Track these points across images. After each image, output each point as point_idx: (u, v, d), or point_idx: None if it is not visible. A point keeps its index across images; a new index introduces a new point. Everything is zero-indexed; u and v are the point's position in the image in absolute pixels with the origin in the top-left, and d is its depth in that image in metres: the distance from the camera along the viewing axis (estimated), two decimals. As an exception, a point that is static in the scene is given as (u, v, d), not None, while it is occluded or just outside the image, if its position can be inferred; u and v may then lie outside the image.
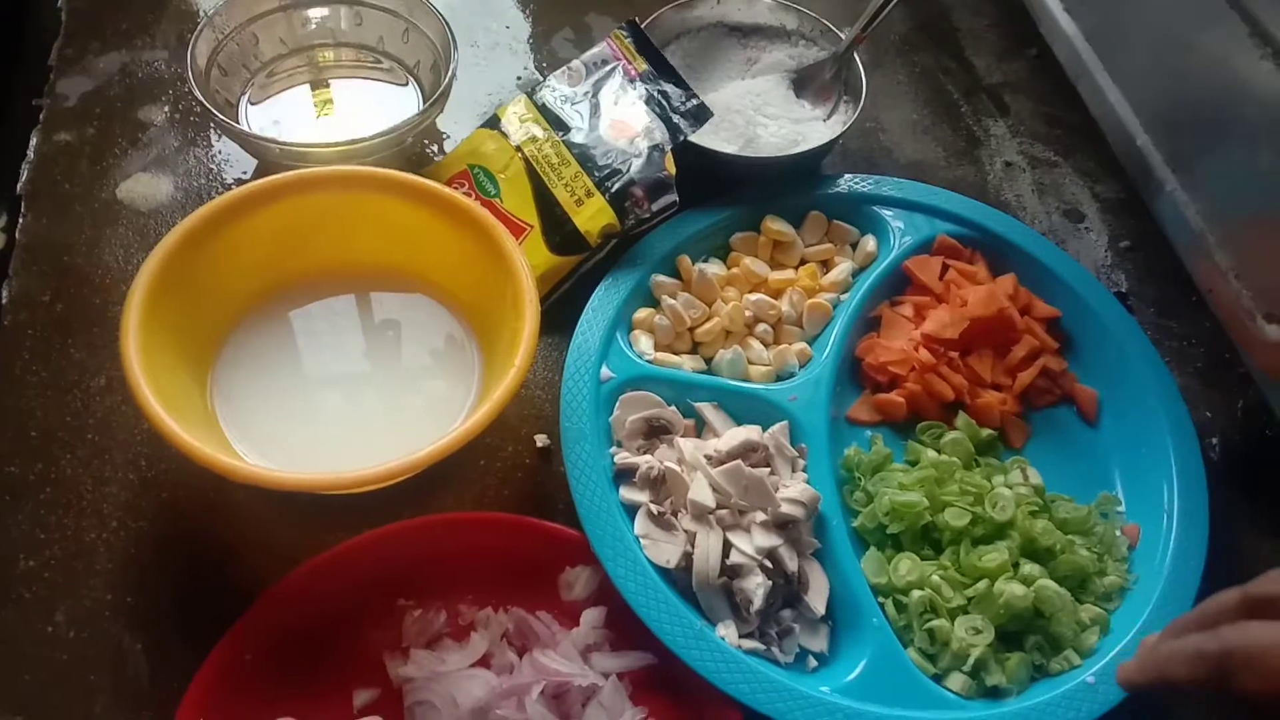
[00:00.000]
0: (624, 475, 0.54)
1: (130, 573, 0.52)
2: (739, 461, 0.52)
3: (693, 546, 0.51)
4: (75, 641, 0.50)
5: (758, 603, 0.49)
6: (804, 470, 0.55)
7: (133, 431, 0.56)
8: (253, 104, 0.69)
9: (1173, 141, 0.69)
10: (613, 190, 0.61)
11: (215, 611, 0.48)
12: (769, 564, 0.51)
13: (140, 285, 0.50)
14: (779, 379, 0.60)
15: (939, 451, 0.57)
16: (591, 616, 0.50)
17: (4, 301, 0.60)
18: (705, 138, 0.65)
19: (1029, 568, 0.52)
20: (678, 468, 0.53)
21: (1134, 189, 0.74)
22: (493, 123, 0.66)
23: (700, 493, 0.52)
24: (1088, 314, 0.63)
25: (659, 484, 0.53)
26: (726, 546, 0.51)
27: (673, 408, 0.56)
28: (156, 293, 0.50)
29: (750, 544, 0.51)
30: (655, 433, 0.56)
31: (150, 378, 0.47)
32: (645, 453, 0.55)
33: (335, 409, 0.57)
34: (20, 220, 0.64)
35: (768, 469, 0.54)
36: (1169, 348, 0.65)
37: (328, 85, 0.71)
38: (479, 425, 0.47)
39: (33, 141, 0.68)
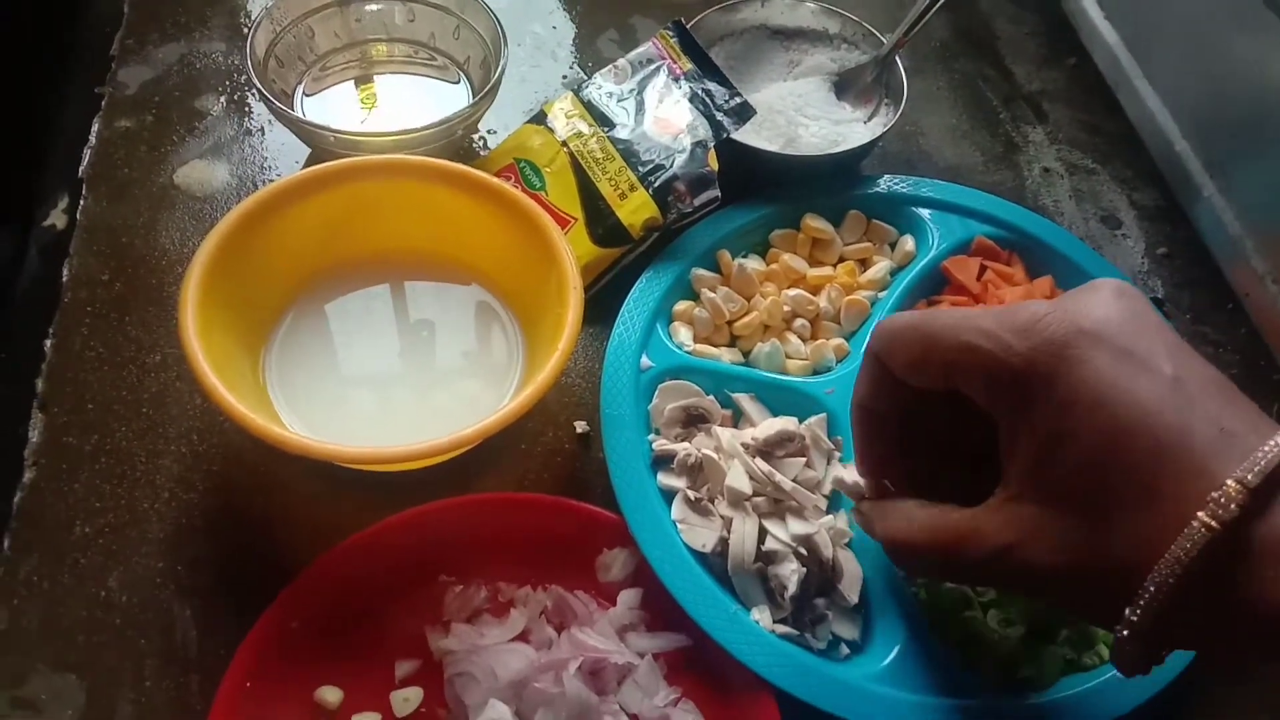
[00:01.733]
0: (662, 461, 0.55)
1: (181, 542, 0.53)
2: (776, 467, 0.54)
3: (729, 532, 0.52)
4: (127, 606, 0.51)
5: (792, 589, 0.50)
6: (839, 463, 0.56)
7: (185, 407, 0.58)
8: (307, 96, 0.70)
9: (1211, 147, 0.70)
10: (656, 185, 0.62)
11: (262, 582, 0.49)
12: (804, 551, 0.51)
13: (199, 262, 0.51)
14: (816, 373, 0.61)
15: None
16: (628, 597, 0.51)
17: (64, 280, 0.62)
18: (747, 136, 0.66)
19: (1062, 562, 0.52)
20: (715, 455, 0.54)
21: (1171, 197, 0.74)
22: (539, 118, 0.67)
23: (737, 480, 0.52)
24: (1124, 318, 0.63)
25: (696, 471, 0.54)
26: (762, 533, 0.52)
27: (711, 397, 0.57)
28: (214, 271, 0.52)
29: (786, 531, 0.52)
30: (693, 421, 0.57)
31: (207, 352, 0.49)
32: (683, 440, 0.56)
33: (386, 390, 0.58)
34: (81, 202, 0.66)
35: (803, 459, 0.55)
36: (1205, 354, 0.64)
37: (371, 81, 0.73)
38: (524, 406, 0.49)
39: (94, 127, 0.70)
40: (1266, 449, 0.33)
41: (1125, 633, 0.35)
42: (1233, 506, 0.32)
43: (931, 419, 0.45)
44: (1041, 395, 0.36)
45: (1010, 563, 0.38)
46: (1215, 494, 0.33)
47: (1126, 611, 0.34)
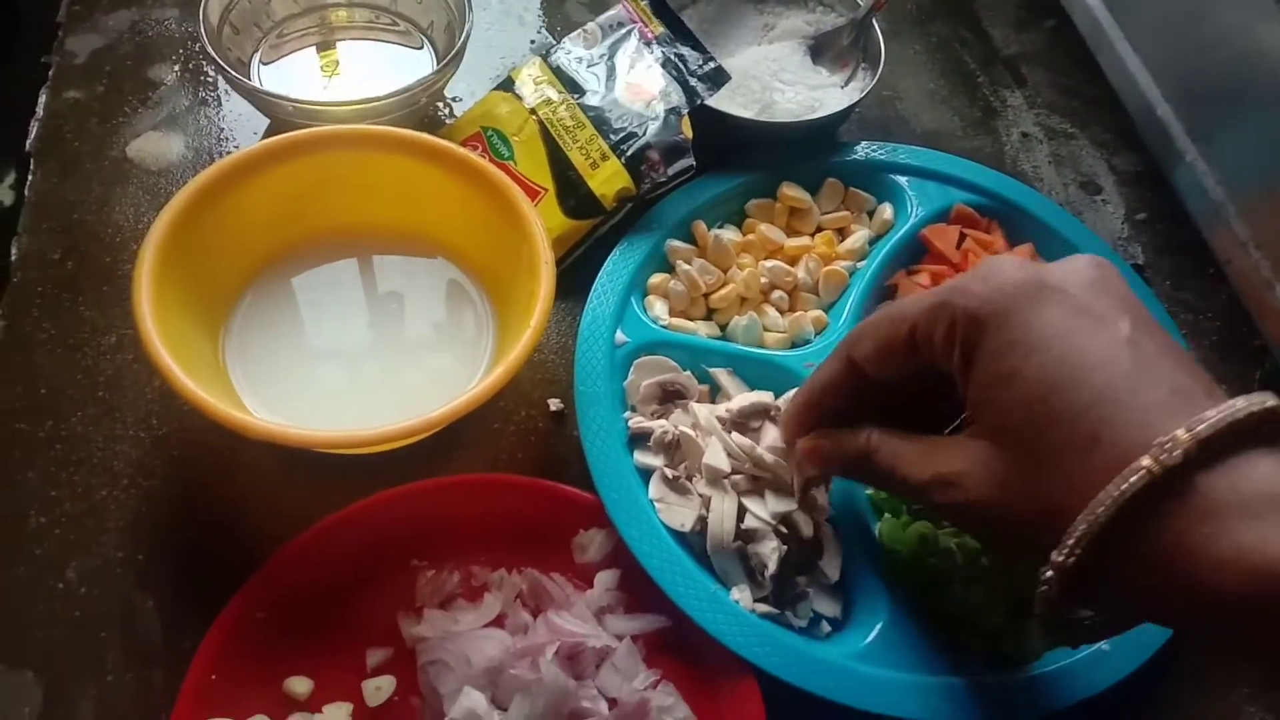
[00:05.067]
0: (638, 439, 0.54)
1: (141, 530, 0.51)
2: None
3: (707, 511, 0.51)
4: (86, 598, 0.49)
5: (772, 567, 0.49)
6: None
7: (143, 390, 0.56)
8: (264, 64, 0.68)
9: (1193, 111, 0.69)
10: (628, 153, 0.61)
11: (226, 570, 0.48)
12: (784, 529, 0.50)
13: (153, 240, 0.49)
14: (794, 346, 0.59)
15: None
16: (605, 579, 0.50)
17: (13, 259, 0.60)
18: (722, 102, 0.64)
19: (1045, 536, 0.51)
20: (692, 432, 0.52)
21: (1151, 162, 0.73)
22: (506, 85, 0.65)
23: (715, 457, 0.51)
24: (1105, 285, 0.62)
25: (673, 448, 0.53)
26: (741, 511, 0.51)
27: (688, 373, 0.56)
28: (169, 249, 0.50)
29: (765, 509, 0.51)
30: (670, 397, 0.55)
31: (162, 332, 0.47)
32: (660, 417, 0.55)
33: (351, 369, 0.56)
34: (29, 178, 0.63)
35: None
36: (1185, 320, 0.65)
37: (334, 47, 0.70)
38: (495, 385, 0.47)
39: (41, 99, 0.67)
40: (1222, 409, 0.32)
41: (1050, 574, 0.34)
42: (1178, 453, 0.31)
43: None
44: (993, 333, 0.37)
45: (951, 493, 0.38)
46: (1163, 439, 0.32)
47: (1053, 554, 0.34)
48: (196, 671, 0.45)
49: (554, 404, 0.58)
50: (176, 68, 0.70)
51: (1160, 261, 0.68)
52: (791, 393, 0.55)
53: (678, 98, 0.62)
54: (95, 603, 0.49)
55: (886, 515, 0.53)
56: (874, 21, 0.68)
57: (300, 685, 0.47)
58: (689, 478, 0.52)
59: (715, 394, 0.57)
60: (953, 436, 0.39)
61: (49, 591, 0.49)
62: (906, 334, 0.40)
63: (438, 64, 0.65)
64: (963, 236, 0.63)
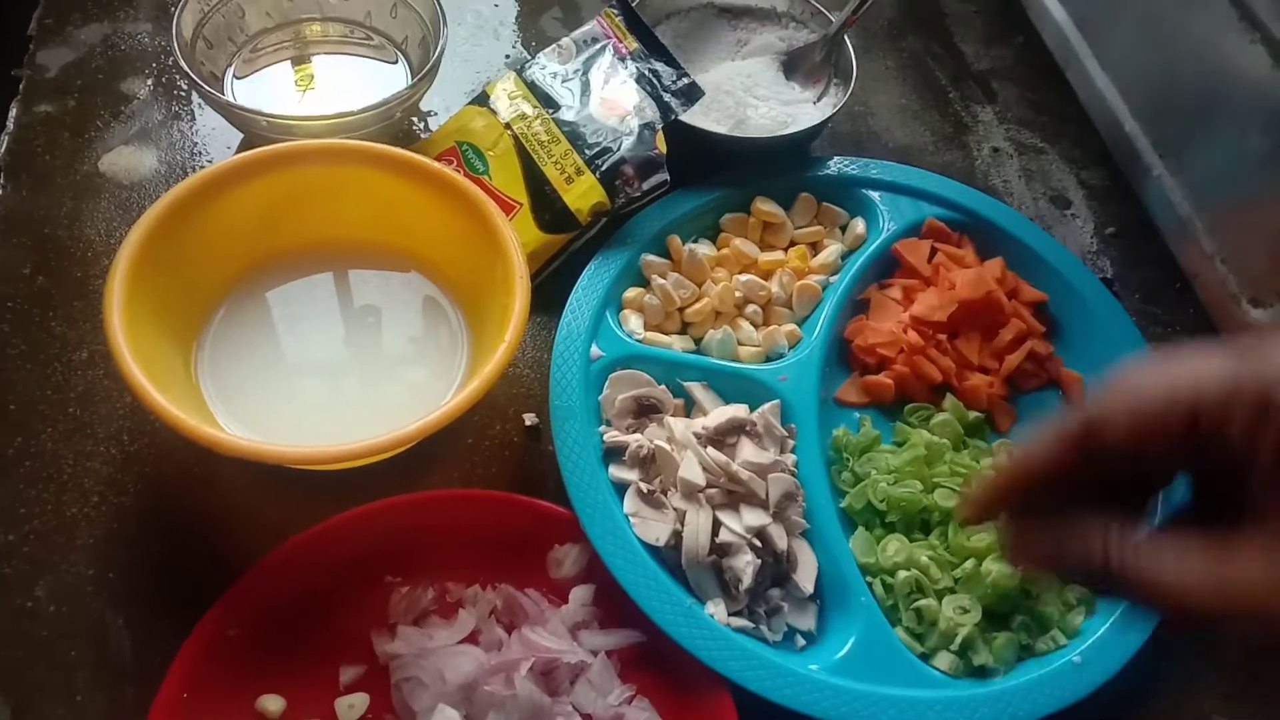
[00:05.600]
0: (613, 454, 0.54)
1: (112, 548, 0.51)
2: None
3: (682, 525, 0.51)
4: (56, 617, 0.49)
5: (747, 581, 0.49)
6: (793, 451, 0.55)
7: (115, 405, 0.55)
8: (238, 79, 0.68)
9: (1160, 127, 0.70)
10: (603, 168, 0.61)
11: (198, 587, 0.47)
12: (758, 543, 0.51)
13: (125, 255, 0.49)
14: (768, 360, 0.60)
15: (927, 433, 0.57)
16: (580, 594, 0.50)
17: (-18, 273, 0.59)
18: (695, 117, 0.65)
19: (1016, 548, 0.52)
20: (668, 446, 0.53)
21: (1120, 176, 0.74)
22: (481, 100, 0.65)
23: (690, 471, 0.51)
24: (1074, 299, 0.63)
25: (649, 462, 0.53)
26: (716, 525, 0.51)
27: (662, 387, 0.56)
28: (141, 264, 0.50)
29: (740, 523, 0.51)
30: (645, 411, 0.55)
31: (134, 349, 0.46)
32: (635, 431, 0.55)
33: (324, 384, 0.56)
34: (0, 191, 0.63)
35: (754, 441, 0.54)
36: (1153, 333, 0.66)
37: (309, 61, 0.70)
38: (470, 399, 0.47)
39: (12, 113, 0.67)
40: None
41: None
42: None
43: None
44: None
45: None
46: None
47: None
48: (168, 690, 0.45)
49: (529, 419, 0.58)
50: (149, 82, 0.70)
51: (1129, 275, 0.69)
52: (768, 405, 0.55)
53: (652, 113, 0.62)
54: (65, 621, 0.49)
55: (860, 528, 0.54)
56: (846, 37, 0.69)
57: (273, 703, 0.46)
58: (664, 492, 0.52)
59: (690, 408, 0.57)
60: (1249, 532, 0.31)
61: (17, 610, 0.49)
62: (1184, 414, 0.32)
63: (412, 78, 0.66)
64: (934, 251, 0.64)
